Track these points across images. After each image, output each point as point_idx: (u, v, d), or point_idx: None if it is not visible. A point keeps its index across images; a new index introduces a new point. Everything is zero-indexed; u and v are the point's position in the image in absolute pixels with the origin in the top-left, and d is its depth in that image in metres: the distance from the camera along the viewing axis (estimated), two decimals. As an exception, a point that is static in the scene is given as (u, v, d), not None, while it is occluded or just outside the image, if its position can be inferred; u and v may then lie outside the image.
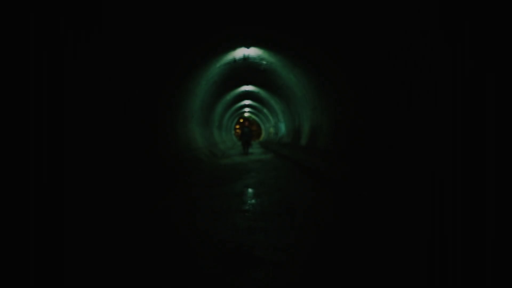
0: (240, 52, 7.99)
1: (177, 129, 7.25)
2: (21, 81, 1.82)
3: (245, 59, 8.62)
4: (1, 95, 1.67)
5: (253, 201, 3.65)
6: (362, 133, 5.01)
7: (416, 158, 2.90)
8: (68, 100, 2.40)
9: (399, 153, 3.51)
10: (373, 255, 1.92)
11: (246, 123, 13.45)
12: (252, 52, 8.05)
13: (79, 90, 2.62)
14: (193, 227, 2.62)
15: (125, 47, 3.60)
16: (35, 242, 1.73)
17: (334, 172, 4.72)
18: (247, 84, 12.88)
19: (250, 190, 4.38)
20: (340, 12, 4.24)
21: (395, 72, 3.66)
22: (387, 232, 2.33)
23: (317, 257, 1.93)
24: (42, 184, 1.97)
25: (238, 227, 2.62)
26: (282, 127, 16.27)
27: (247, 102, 19.20)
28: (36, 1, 1.93)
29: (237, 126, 40.55)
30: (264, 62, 8.99)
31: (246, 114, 28.32)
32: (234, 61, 8.64)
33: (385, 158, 3.88)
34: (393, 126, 3.84)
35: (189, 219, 2.87)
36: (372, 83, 4.47)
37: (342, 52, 5.08)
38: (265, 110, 20.26)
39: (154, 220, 2.85)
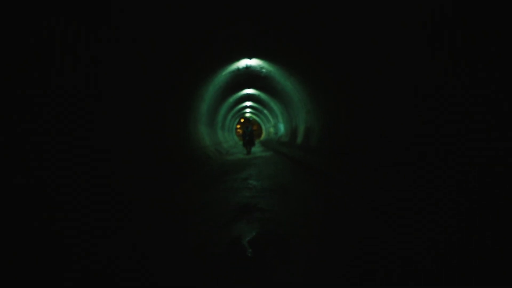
0: (243, 63, 9.31)
1: (190, 129, 8.58)
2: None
3: (247, 68, 9.94)
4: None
5: (255, 183, 4.99)
6: (342, 134, 6.33)
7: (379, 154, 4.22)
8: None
9: (366, 150, 4.83)
10: (333, 209, 3.25)
11: (247, 124, 14.16)
12: (254, 62, 9.37)
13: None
14: (216, 196, 3.95)
15: (143, 62, 4.88)
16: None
17: (319, 164, 6.04)
18: (249, 87, 14.19)
19: (253, 176, 5.71)
20: (332, 31, 5.17)
21: (368, 91, 4.96)
22: (346, 197, 3.65)
23: (294, 208, 3.26)
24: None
25: (246, 196, 3.95)
26: (281, 128, 17.57)
27: (248, 103, 20.50)
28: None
29: (238, 126, 41.77)
30: (264, 70, 10.31)
31: (247, 115, 29.65)
32: (238, 69, 9.96)
33: (357, 154, 5.20)
34: (366, 131, 5.16)
35: (212, 192, 4.20)
36: (352, 96, 5.78)
37: (332, 65, 6.26)
38: (265, 111, 21.56)
39: (186, 193, 4.18)
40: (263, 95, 15.71)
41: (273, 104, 16.29)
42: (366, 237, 2.26)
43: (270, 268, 1.82)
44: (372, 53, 4.37)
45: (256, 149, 16.81)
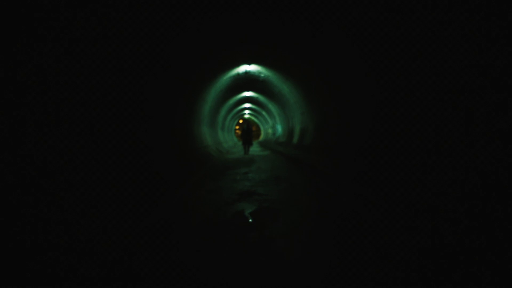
0: (243, 68, 9.98)
1: (194, 130, 9.24)
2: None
3: (247, 73, 10.62)
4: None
5: (254, 175, 5.65)
6: (331, 134, 7.00)
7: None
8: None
9: (351, 148, 5.50)
10: (318, 194, 3.92)
11: (245, 125, 14.72)
12: (253, 68, 10.04)
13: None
14: (222, 185, 4.61)
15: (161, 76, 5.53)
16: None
17: (310, 160, 6.71)
18: (248, 90, 14.87)
19: (252, 171, 6.38)
20: (325, 42, 5.85)
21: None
22: (327, 184, 4.32)
23: (287, 193, 3.94)
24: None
25: (246, 185, 4.62)
26: (279, 128, 18.25)
27: (247, 105, 21.17)
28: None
29: (237, 127, 42.41)
30: (262, 75, 10.98)
31: (246, 116, 30.32)
32: (238, 74, 10.63)
33: (344, 152, 5.87)
34: (362, 131, 5.82)
35: (218, 182, 4.86)
36: (341, 101, 6.45)
37: (324, 71, 6.93)
38: (263, 113, 22.24)
39: (196, 183, 4.84)
40: (261, 97, 16.39)
41: (271, 105, 16.96)
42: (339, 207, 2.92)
43: (264, 225, 2.59)
44: (364, 58, 4.97)
45: (255, 148, 17.49)
